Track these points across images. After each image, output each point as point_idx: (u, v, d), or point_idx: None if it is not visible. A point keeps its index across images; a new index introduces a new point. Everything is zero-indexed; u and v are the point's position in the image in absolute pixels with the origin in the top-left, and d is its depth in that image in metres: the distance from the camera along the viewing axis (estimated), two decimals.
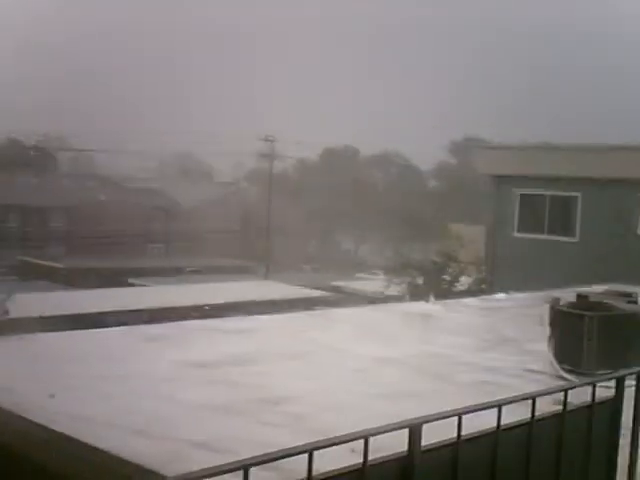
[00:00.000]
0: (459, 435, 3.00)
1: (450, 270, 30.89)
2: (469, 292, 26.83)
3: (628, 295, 10.86)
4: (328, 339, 9.03)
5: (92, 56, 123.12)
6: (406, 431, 2.78)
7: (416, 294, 27.98)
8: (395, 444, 2.93)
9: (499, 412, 3.16)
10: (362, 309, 12.79)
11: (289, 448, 2.35)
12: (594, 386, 3.76)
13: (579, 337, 7.91)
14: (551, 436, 3.58)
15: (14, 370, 6.42)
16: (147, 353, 7.61)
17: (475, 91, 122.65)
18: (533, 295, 13.90)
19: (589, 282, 15.36)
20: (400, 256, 34.52)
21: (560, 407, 3.61)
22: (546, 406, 3.73)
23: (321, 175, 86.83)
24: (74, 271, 55.66)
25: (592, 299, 9.19)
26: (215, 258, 64.81)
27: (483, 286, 28.27)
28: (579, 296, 9.42)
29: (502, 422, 3.27)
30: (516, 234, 28.04)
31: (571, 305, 8.67)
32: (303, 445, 2.38)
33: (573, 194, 26.75)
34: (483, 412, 3.16)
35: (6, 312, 23.27)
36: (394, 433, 2.79)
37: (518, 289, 16.34)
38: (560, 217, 27.07)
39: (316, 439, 2.51)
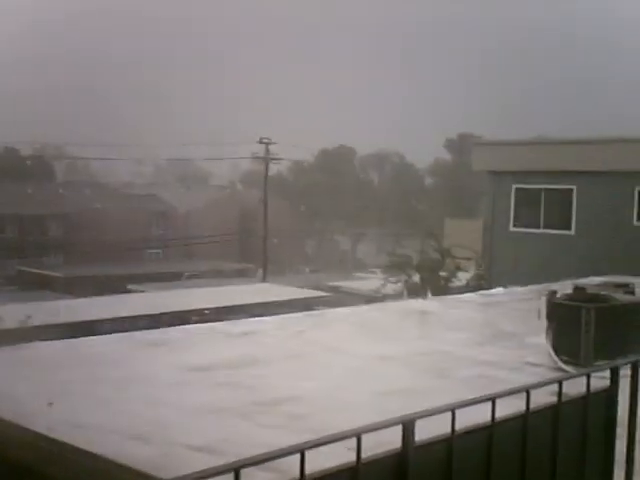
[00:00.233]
0: (453, 430, 3.00)
1: (445, 266, 30.87)
2: (467, 288, 26.81)
3: (625, 286, 10.88)
4: (327, 339, 9.04)
5: (89, 64, 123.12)
6: (400, 427, 2.79)
7: (414, 292, 27.97)
8: (396, 441, 2.93)
9: (493, 405, 3.16)
10: (360, 308, 12.79)
11: (280, 449, 2.36)
12: (589, 377, 3.77)
13: (577, 329, 7.92)
14: (547, 428, 3.59)
15: (12, 379, 6.42)
16: (146, 358, 7.61)
17: (470, 90, 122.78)
18: (531, 289, 13.92)
19: (586, 274, 15.40)
20: (396, 255, 34.51)
21: (555, 399, 3.61)
22: (543, 398, 3.73)
23: (317, 176, 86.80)
24: (72, 279, 55.60)
25: (589, 291, 9.20)
26: (213, 262, 64.77)
27: (482, 282, 28.27)
28: (576, 288, 9.43)
29: (498, 415, 3.27)
30: (512, 228, 28.06)
31: (568, 297, 8.68)
32: (295, 445, 2.39)
33: (568, 187, 26.77)
34: (480, 406, 3.16)
35: None
36: (391, 429, 2.79)
37: (516, 283, 16.37)
38: (556, 210, 27.08)
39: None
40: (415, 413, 2.79)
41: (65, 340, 9.43)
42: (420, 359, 7.97)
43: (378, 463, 2.74)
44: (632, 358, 4.04)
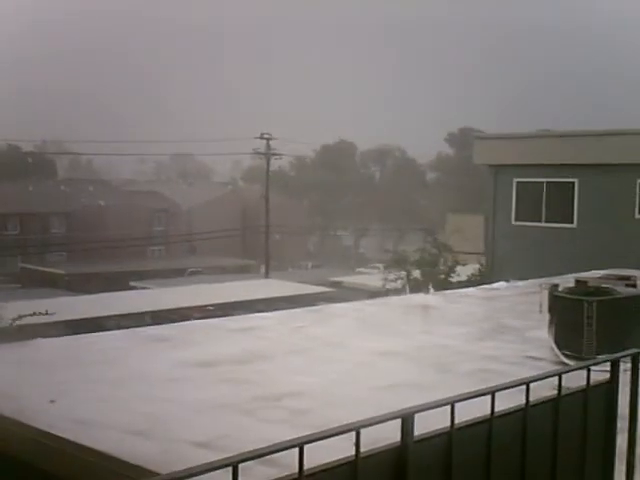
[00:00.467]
0: (452, 424, 3.00)
1: (443, 260, 30.87)
2: (468, 282, 26.80)
3: (626, 279, 10.89)
4: (329, 334, 9.05)
5: (91, 60, 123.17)
6: (399, 421, 2.80)
7: (416, 286, 27.98)
8: (396, 436, 2.94)
9: (492, 399, 3.17)
10: (362, 303, 12.79)
11: (279, 443, 2.36)
12: (589, 370, 3.77)
13: (579, 322, 7.91)
14: (546, 421, 3.59)
15: (15, 376, 6.43)
16: (149, 355, 7.63)
17: (471, 84, 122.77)
18: (533, 282, 13.91)
19: (588, 268, 15.39)
20: (397, 250, 34.54)
21: (555, 392, 3.61)
22: (543, 391, 3.73)
23: (319, 171, 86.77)
24: (75, 276, 55.67)
25: (591, 284, 9.20)
26: (215, 258, 64.82)
27: (481, 276, 28.29)
28: (578, 281, 9.44)
29: (498, 409, 3.27)
30: (514, 222, 28.04)
31: (570, 291, 8.68)
32: (293, 439, 2.39)
33: (570, 180, 26.74)
34: (480, 399, 3.17)
35: None
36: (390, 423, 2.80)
37: (517, 277, 16.35)
38: (558, 204, 27.04)
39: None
40: (414, 407, 2.79)
41: (68, 337, 9.46)
42: (422, 354, 7.98)
43: (377, 457, 2.74)
44: (632, 351, 4.04)
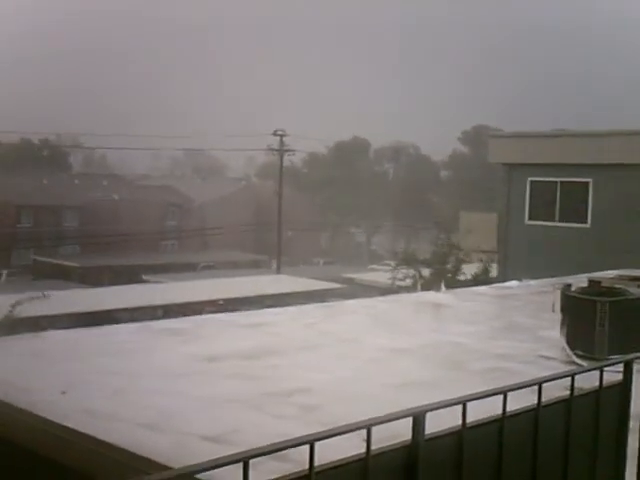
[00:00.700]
0: (464, 423, 2.99)
1: (452, 258, 30.83)
2: (477, 281, 26.74)
3: (639, 279, 10.85)
4: (341, 330, 9.05)
5: (105, 56, 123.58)
6: (410, 420, 2.79)
7: (427, 284, 27.94)
8: (406, 434, 2.93)
9: (504, 399, 3.15)
10: (374, 300, 12.78)
11: (290, 439, 2.36)
12: (601, 370, 3.75)
13: (591, 323, 7.88)
14: (558, 422, 3.57)
15: (27, 368, 6.46)
16: (160, 348, 7.65)
17: (485, 82, 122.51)
18: (545, 282, 13.87)
19: (601, 268, 15.33)
20: (408, 248, 34.52)
21: (567, 392, 3.59)
22: (556, 392, 3.71)
23: (332, 168, 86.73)
24: (88, 269, 55.89)
25: (604, 284, 9.16)
26: (228, 253, 64.95)
27: (488, 275, 28.24)
28: (591, 282, 9.39)
29: (510, 409, 3.26)
30: (528, 221, 27.96)
31: (583, 291, 8.65)
32: (304, 436, 2.39)
33: (584, 180, 26.63)
34: (491, 399, 3.15)
35: None
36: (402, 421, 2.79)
37: (530, 276, 16.32)
38: (572, 203, 26.94)
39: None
40: (426, 405, 2.78)
41: (79, 329, 9.51)
42: (433, 351, 7.97)
43: (388, 455, 2.74)
44: None
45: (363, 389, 6.15)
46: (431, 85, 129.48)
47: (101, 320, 18.38)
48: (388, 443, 2.79)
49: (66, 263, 57.86)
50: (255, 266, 61.90)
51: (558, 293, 9.11)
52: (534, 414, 3.39)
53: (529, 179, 27.92)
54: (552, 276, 14.33)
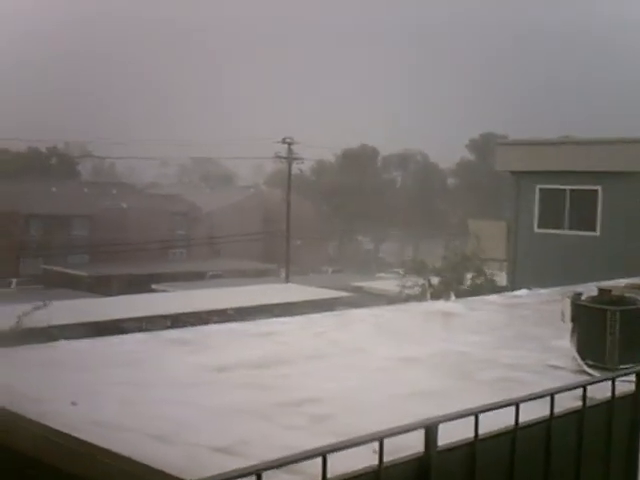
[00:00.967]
0: (476, 434, 2.97)
1: (461, 267, 30.86)
2: (486, 289, 26.70)
3: None
4: (350, 340, 9.00)
5: (112, 65, 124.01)
6: (422, 431, 2.77)
7: (436, 293, 27.91)
8: (418, 445, 2.91)
9: (517, 410, 3.14)
10: (383, 309, 12.72)
11: (302, 452, 2.35)
12: (614, 381, 3.72)
13: (602, 332, 7.82)
14: (571, 432, 3.55)
15: (37, 378, 6.45)
16: (170, 358, 7.62)
17: (488, 87, 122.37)
18: (555, 290, 13.80)
19: (611, 276, 15.24)
20: (416, 256, 34.56)
21: (580, 403, 3.57)
22: (568, 402, 3.69)
23: (340, 176, 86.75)
24: (97, 279, 56.00)
25: (614, 293, 9.10)
26: (236, 262, 64.98)
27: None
28: (601, 290, 9.33)
29: (522, 420, 3.24)
30: (537, 229, 27.89)
31: (593, 299, 8.59)
32: (317, 448, 2.38)
33: (593, 188, 26.55)
34: (503, 410, 3.13)
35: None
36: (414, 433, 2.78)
37: (540, 285, 16.24)
38: (581, 211, 26.88)
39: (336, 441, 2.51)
40: (438, 417, 2.77)
41: (89, 339, 9.50)
42: (443, 361, 7.93)
43: (400, 467, 2.72)
44: None
45: (373, 398, 6.12)
46: (437, 91, 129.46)
47: (110, 330, 18.40)
48: (399, 455, 2.78)
49: (75, 272, 58.01)
50: (264, 275, 61.94)
51: (568, 302, 9.05)
52: (547, 425, 3.37)
53: (538, 187, 27.87)
54: (561, 284, 14.26)
